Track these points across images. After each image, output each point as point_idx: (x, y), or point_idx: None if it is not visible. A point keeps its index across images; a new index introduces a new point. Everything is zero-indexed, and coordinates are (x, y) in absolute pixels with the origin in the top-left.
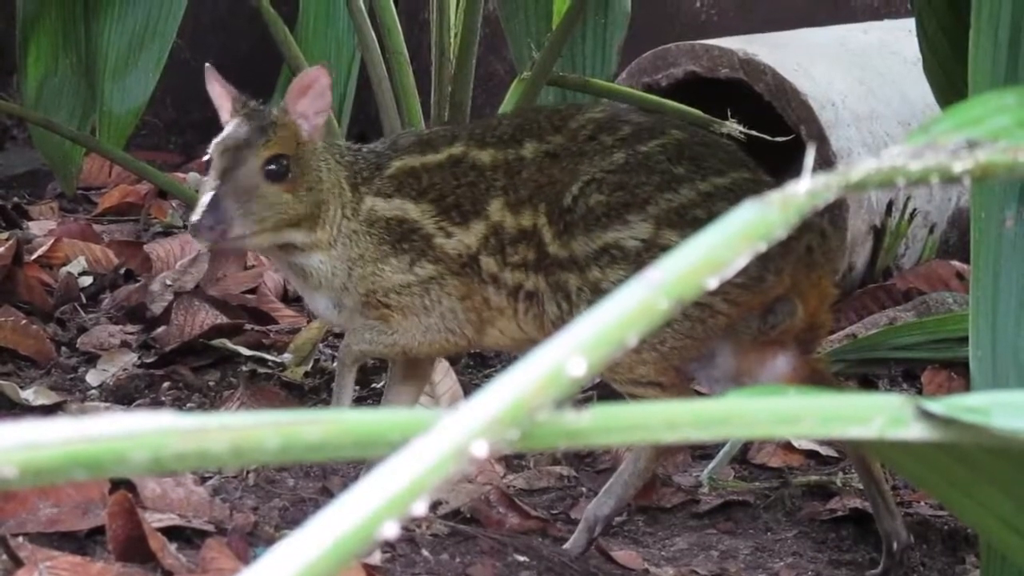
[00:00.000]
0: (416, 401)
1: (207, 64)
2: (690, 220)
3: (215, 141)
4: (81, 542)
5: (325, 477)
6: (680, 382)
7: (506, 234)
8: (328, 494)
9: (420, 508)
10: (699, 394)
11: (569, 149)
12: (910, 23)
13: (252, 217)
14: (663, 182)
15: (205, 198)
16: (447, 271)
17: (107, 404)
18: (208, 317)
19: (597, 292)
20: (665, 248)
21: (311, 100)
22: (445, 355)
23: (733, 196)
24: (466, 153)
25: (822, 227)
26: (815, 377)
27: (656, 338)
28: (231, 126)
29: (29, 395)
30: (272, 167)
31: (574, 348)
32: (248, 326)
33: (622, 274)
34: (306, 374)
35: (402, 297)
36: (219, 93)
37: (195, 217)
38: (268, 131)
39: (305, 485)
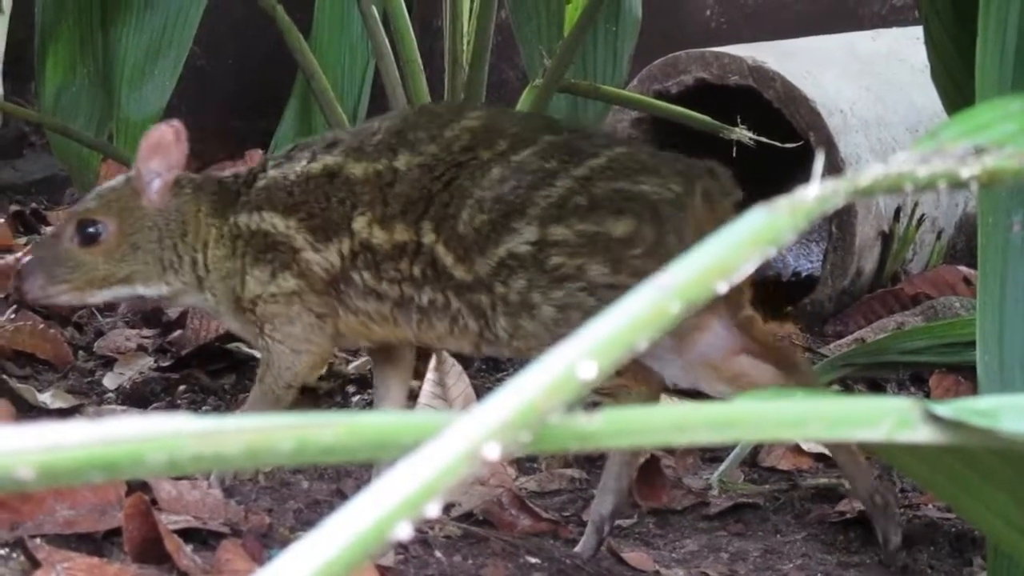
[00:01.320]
0: (406, 384)
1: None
2: (572, 208)
3: None
4: (98, 543)
5: (339, 479)
6: (636, 371)
7: (378, 250)
8: (342, 496)
9: (433, 510)
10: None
11: (443, 160)
12: (917, 31)
13: (56, 279)
14: (536, 180)
15: (22, 261)
16: (309, 288)
17: (124, 407)
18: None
19: (508, 305)
20: (556, 243)
21: (162, 158)
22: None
23: (611, 173)
24: (342, 166)
25: (709, 167)
26: (753, 338)
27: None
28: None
29: (47, 398)
30: (86, 231)
31: (585, 352)
32: None
33: (523, 282)
34: (320, 378)
35: (267, 306)
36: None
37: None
38: (97, 196)
39: (319, 487)
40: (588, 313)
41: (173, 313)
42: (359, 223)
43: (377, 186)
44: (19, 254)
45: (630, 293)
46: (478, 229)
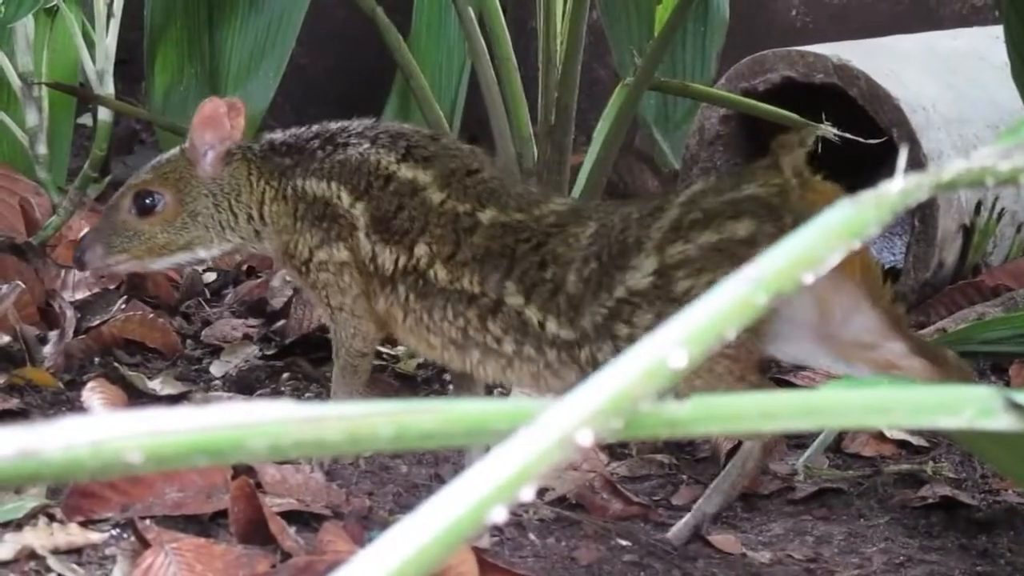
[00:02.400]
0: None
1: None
2: (689, 225)
3: None
4: (205, 525)
5: (437, 464)
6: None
7: (435, 284)
8: (440, 480)
9: (528, 494)
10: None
11: (529, 226)
12: (998, 30)
13: (114, 249)
14: (643, 216)
15: (85, 231)
16: (356, 264)
17: (230, 394)
18: None
19: (634, 340)
20: (679, 265)
21: (215, 131)
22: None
23: (713, 191)
24: (426, 187)
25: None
26: (905, 332)
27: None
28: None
29: (156, 385)
30: (144, 201)
31: (676, 341)
32: None
33: (650, 316)
34: (419, 366)
35: (319, 274)
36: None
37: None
38: (150, 169)
39: (418, 471)
40: None
41: (277, 303)
42: (421, 250)
43: (453, 227)
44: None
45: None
46: (589, 280)
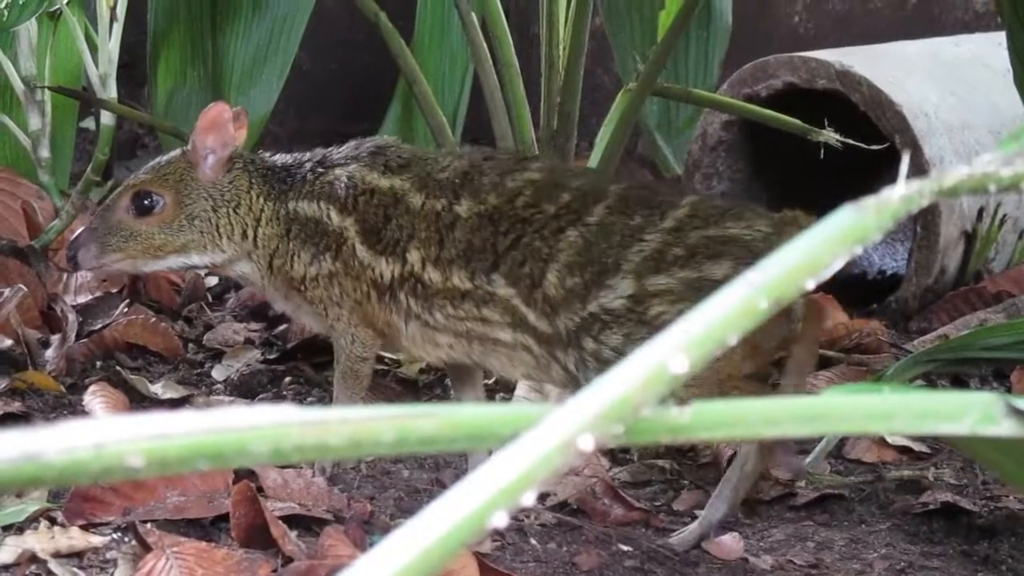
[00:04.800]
0: (480, 383)
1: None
2: (672, 260)
3: None
4: (206, 529)
5: (438, 469)
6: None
7: (431, 286)
8: (441, 485)
9: (529, 499)
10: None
11: (506, 213)
12: (1000, 36)
13: (108, 248)
14: (625, 239)
15: (78, 230)
16: (347, 273)
17: (232, 398)
18: None
19: (601, 361)
20: (657, 294)
21: (217, 136)
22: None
23: (699, 221)
24: (406, 192)
25: (794, 215)
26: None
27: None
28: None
29: (158, 389)
30: (143, 202)
31: (677, 347)
32: None
33: (619, 337)
34: (420, 370)
35: (314, 290)
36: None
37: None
38: (153, 169)
39: (419, 476)
40: None
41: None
42: (414, 256)
43: (435, 226)
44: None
45: None
46: (571, 290)
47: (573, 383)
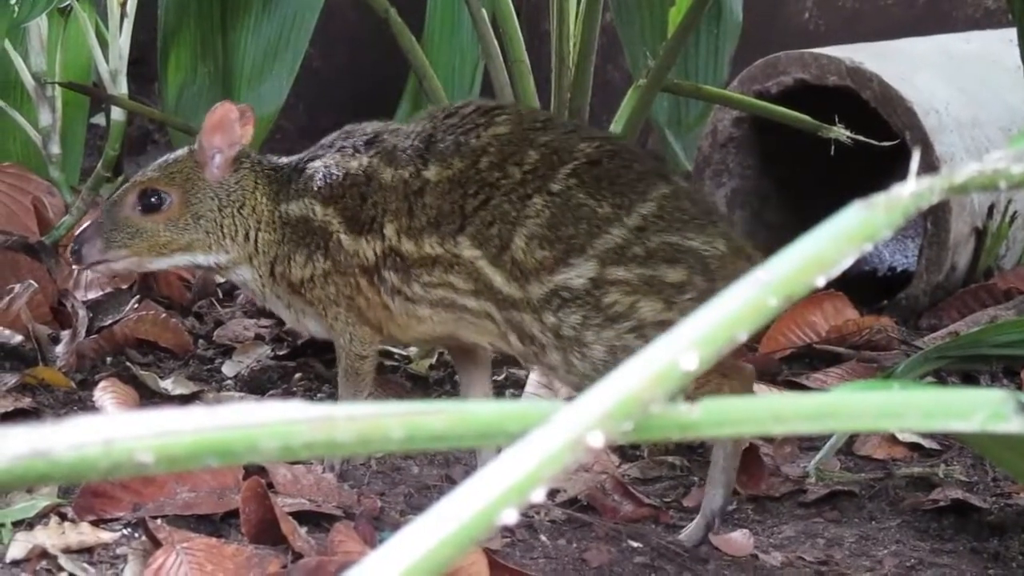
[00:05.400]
0: (488, 377)
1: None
2: (631, 256)
3: None
4: (216, 525)
5: (448, 465)
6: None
7: (408, 257)
8: (451, 481)
9: (539, 496)
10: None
11: (471, 177)
12: (1011, 33)
13: (115, 244)
14: (591, 228)
15: (83, 226)
16: (336, 269)
17: (242, 394)
18: None
19: (561, 339)
20: (615, 283)
21: (224, 135)
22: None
23: (663, 224)
24: (376, 169)
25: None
26: None
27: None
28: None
29: (168, 385)
30: (149, 200)
31: (687, 344)
32: None
33: (578, 318)
34: (430, 367)
35: (312, 292)
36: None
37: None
38: (160, 167)
39: (429, 472)
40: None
41: None
42: (389, 230)
43: (404, 195)
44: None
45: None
46: (540, 262)
47: (530, 355)
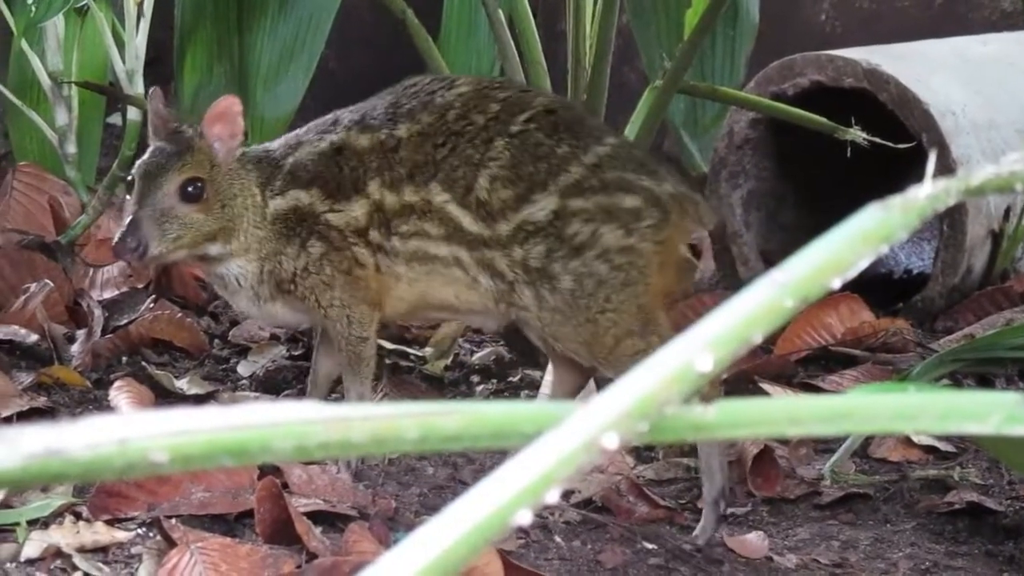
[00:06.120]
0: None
1: (153, 88)
2: (588, 188)
3: (137, 164)
4: (231, 525)
5: (462, 466)
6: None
7: (388, 209)
8: (465, 483)
9: (553, 497)
10: None
11: (439, 129)
12: None
13: (169, 236)
14: (551, 166)
15: (126, 219)
16: (331, 247)
17: (257, 394)
18: None
19: (529, 272)
20: (575, 213)
21: (225, 126)
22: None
23: (618, 163)
24: (347, 140)
25: (695, 196)
26: None
27: (601, 296)
28: (151, 150)
29: (183, 384)
30: (188, 189)
31: (702, 345)
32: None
33: (543, 248)
34: (446, 367)
35: (304, 281)
36: (157, 115)
37: (117, 238)
38: (185, 155)
39: (443, 473)
40: (602, 282)
41: None
42: (372, 187)
43: (381, 153)
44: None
45: (641, 259)
46: (505, 201)
47: (502, 298)
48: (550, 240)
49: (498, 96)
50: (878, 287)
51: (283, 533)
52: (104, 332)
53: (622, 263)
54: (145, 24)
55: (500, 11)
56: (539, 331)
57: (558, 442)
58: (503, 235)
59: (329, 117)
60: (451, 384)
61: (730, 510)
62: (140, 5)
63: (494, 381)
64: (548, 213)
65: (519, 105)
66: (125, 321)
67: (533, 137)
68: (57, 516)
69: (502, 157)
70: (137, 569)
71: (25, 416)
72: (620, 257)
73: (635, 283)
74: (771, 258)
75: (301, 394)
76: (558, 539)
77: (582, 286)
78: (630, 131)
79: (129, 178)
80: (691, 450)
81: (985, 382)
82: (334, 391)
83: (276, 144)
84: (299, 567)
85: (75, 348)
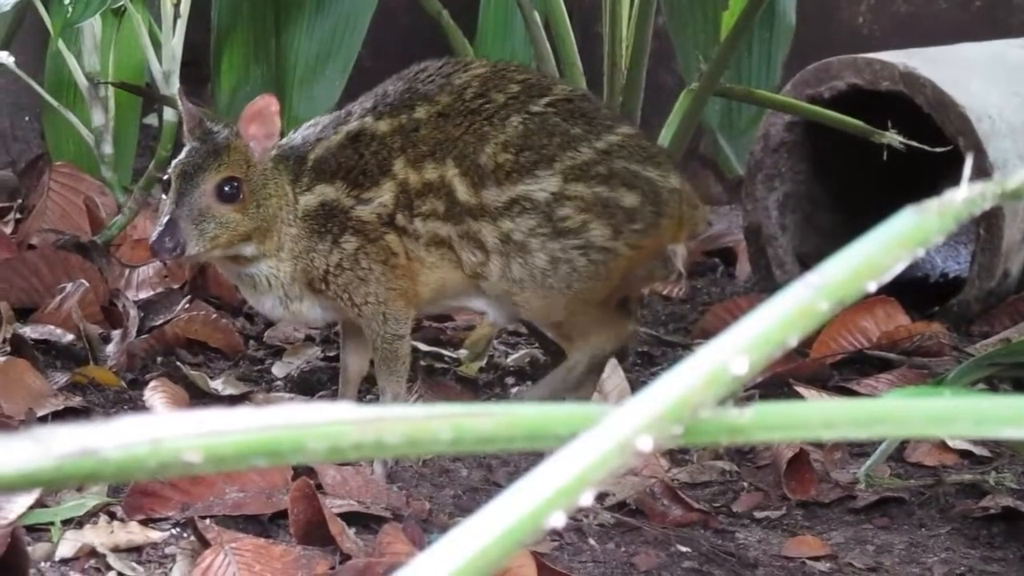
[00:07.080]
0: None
1: (178, 88)
2: (593, 174)
3: (173, 164)
4: (264, 525)
5: (496, 468)
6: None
7: (412, 189)
8: (499, 484)
9: (587, 499)
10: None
11: (457, 108)
12: None
13: (206, 236)
14: (563, 142)
15: (163, 219)
16: (366, 240)
17: (291, 395)
18: None
19: (508, 243)
20: (571, 198)
21: (261, 125)
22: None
23: (627, 152)
24: (364, 127)
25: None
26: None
27: (564, 283)
28: (186, 149)
29: (218, 385)
30: (224, 189)
31: (737, 348)
32: (426, 323)
33: (532, 222)
34: (480, 369)
35: (337, 279)
36: (189, 114)
37: (154, 237)
38: (221, 154)
39: (477, 475)
40: (575, 271)
41: None
42: (397, 166)
43: (403, 135)
44: None
45: (616, 261)
46: (500, 165)
47: (473, 271)
48: (539, 217)
49: (516, 77)
50: (914, 291)
51: (317, 534)
52: (139, 332)
53: (598, 260)
54: (182, 25)
55: (536, 12)
56: (489, 289)
57: (592, 444)
58: (498, 204)
59: (341, 111)
60: (485, 386)
61: (764, 513)
62: (177, 6)
63: (528, 383)
64: (548, 196)
65: (539, 88)
66: (160, 321)
67: (551, 119)
68: (91, 516)
69: (516, 130)
70: (171, 569)
71: (60, 416)
72: (599, 255)
73: (601, 278)
74: (807, 261)
75: (335, 395)
76: (592, 541)
77: (555, 268)
78: (666, 133)
79: (165, 178)
80: (725, 453)
81: (1021, 386)
82: (369, 392)
83: (298, 138)
84: (333, 568)
85: (110, 348)
